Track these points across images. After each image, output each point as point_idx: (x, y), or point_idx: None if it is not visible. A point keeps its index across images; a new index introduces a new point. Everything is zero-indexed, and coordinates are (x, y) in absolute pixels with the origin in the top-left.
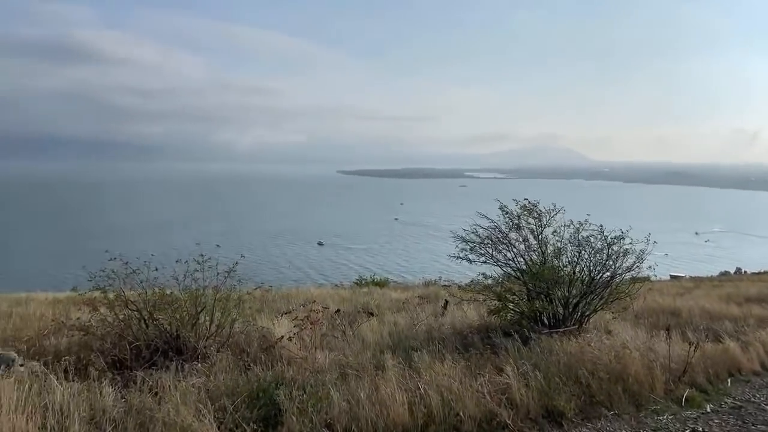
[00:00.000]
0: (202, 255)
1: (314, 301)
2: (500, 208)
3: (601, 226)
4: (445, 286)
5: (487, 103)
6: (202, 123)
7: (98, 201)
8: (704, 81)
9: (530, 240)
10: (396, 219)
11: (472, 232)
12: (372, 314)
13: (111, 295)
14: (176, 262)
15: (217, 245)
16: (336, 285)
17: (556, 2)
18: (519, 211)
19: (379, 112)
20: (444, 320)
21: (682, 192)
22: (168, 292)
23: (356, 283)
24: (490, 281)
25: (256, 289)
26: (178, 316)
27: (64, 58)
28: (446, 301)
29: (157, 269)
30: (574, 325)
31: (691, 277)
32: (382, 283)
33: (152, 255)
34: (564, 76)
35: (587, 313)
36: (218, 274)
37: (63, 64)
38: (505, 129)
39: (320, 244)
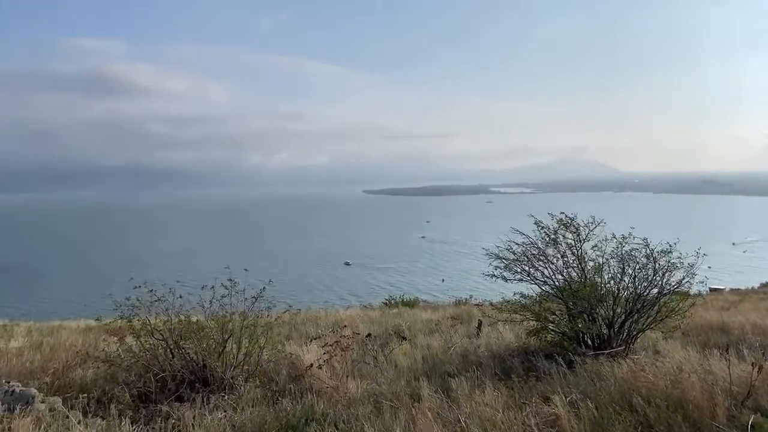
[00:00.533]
0: (230, 279)
1: (345, 326)
2: (536, 223)
3: (646, 239)
4: (477, 305)
5: (511, 117)
6: (232, 148)
7: (133, 227)
8: (735, 85)
9: (568, 256)
10: (423, 237)
11: (506, 249)
12: (404, 338)
13: (136, 324)
14: (202, 288)
15: (245, 269)
16: (365, 306)
17: (578, 12)
18: (556, 225)
19: (404, 130)
20: (479, 342)
21: (716, 201)
22: (194, 319)
23: (385, 304)
24: (526, 300)
25: (284, 312)
26: (204, 345)
27: (100, 90)
28: (480, 322)
29: (181, 297)
30: (620, 346)
31: (731, 289)
32: (411, 303)
33: (177, 282)
34: (588, 87)
35: (634, 333)
36: (246, 299)
37: (99, 97)
38: (530, 142)
39: (347, 264)
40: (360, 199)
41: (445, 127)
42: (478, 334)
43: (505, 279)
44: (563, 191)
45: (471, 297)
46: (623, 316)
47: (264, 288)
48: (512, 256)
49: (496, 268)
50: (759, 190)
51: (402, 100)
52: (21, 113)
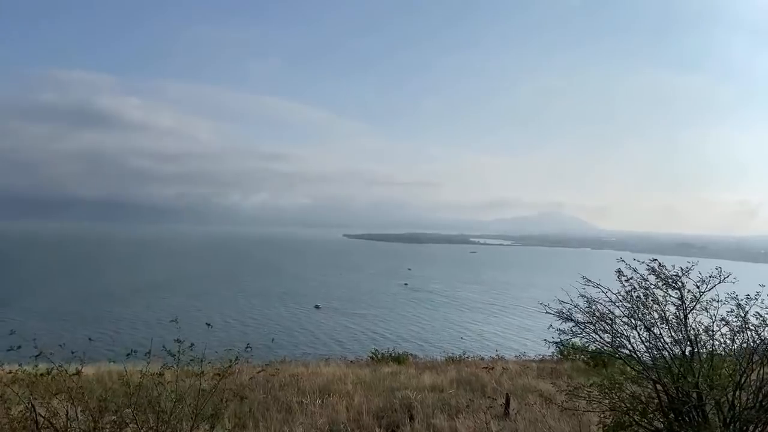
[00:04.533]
0: (178, 340)
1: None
2: (618, 271)
3: None
4: (486, 368)
5: (492, 170)
6: (213, 186)
7: (104, 259)
8: (710, 153)
9: (671, 321)
10: (406, 284)
11: (575, 307)
12: None
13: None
14: (128, 355)
15: (208, 324)
16: (351, 361)
17: (563, 76)
18: (654, 280)
19: (388, 177)
20: (516, 426)
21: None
22: (115, 408)
23: (372, 358)
24: (607, 382)
25: (260, 371)
26: None
27: (84, 122)
28: (508, 397)
29: (113, 361)
30: None
31: None
32: (401, 359)
33: (90, 339)
34: (571, 145)
35: None
36: (203, 373)
37: (83, 128)
38: (510, 195)
39: (317, 307)
40: (340, 243)
41: (428, 176)
42: (506, 413)
43: (586, 354)
44: (542, 245)
45: (464, 353)
46: (750, 411)
47: (236, 359)
48: (586, 318)
49: (561, 332)
50: (732, 254)
51: (388, 148)
52: (1, 142)
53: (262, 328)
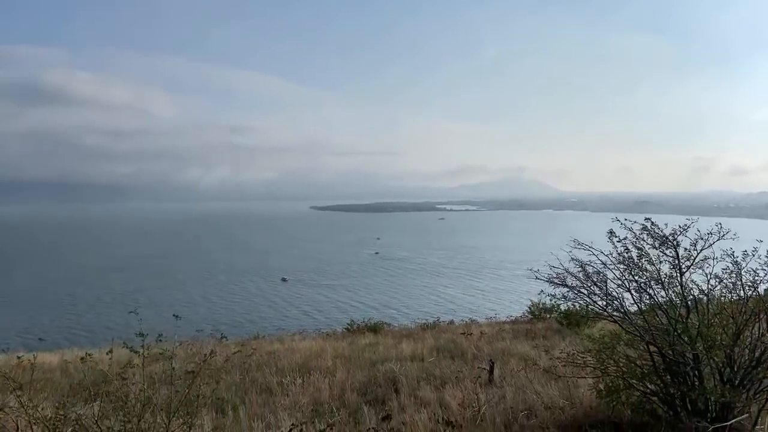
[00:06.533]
0: (142, 334)
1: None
2: (610, 232)
3: None
4: (464, 333)
5: (454, 137)
6: (173, 162)
7: (57, 242)
8: (667, 111)
9: (665, 281)
10: (376, 253)
11: (566, 271)
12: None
13: None
14: (82, 359)
15: (175, 315)
16: (327, 334)
17: (518, 40)
18: (649, 241)
19: (353, 147)
20: (501, 393)
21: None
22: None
23: (348, 329)
24: (597, 345)
25: (236, 352)
26: None
27: (33, 99)
28: (492, 363)
29: None
30: (744, 413)
31: None
32: (376, 328)
33: (40, 339)
34: (533, 111)
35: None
36: (174, 369)
37: (31, 106)
38: (475, 162)
39: (284, 280)
40: (307, 215)
41: (392, 144)
42: (490, 379)
43: (547, 311)
44: (506, 209)
45: (438, 319)
46: (747, 371)
47: (212, 352)
48: (578, 283)
49: (551, 296)
50: (688, 210)
51: (355, 117)
52: None
53: (233, 305)
